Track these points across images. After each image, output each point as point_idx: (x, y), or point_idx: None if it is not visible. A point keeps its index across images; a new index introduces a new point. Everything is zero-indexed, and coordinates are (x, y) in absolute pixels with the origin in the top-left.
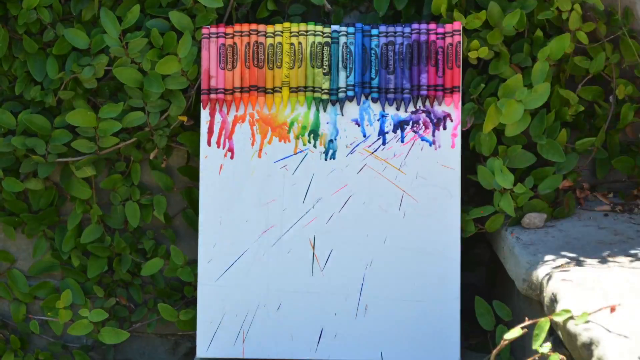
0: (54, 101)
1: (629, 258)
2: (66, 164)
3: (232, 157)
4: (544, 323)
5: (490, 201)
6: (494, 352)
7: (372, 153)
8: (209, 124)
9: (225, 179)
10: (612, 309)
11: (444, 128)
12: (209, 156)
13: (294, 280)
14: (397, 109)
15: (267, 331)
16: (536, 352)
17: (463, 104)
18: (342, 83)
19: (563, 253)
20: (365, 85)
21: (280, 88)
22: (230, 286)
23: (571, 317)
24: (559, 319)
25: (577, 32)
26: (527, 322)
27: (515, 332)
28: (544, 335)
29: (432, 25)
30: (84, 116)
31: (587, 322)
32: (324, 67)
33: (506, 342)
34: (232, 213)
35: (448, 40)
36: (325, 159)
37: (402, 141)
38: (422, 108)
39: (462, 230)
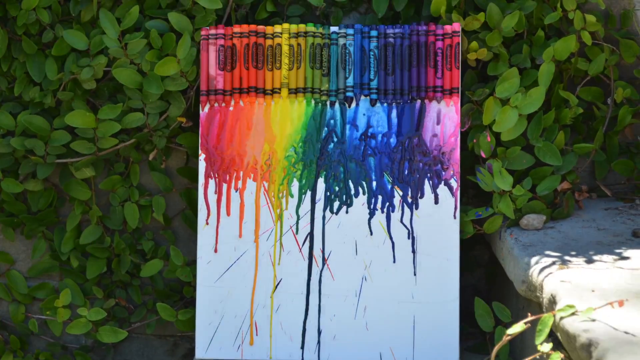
0: (53, 102)
1: (628, 259)
2: (65, 165)
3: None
4: (548, 318)
5: (490, 202)
6: (495, 349)
7: (372, 154)
8: (208, 125)
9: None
10: (621, 304)
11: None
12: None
13: (292, 281)
14: (396, 110)
15: (266, 332)
16: (537, 350)
17: (462, 105)
18: (341, 84)
19: (562, 254)
20: (364, 87)
21: (280, 89)
22: (229, 287)
23: (575, 313)
24: (563, 314)
25: (581, 32)
26: (530, 318)
27: (518, 327)
28: (547, 330)
29: (431, 27)
30: (83, 117)
31: (592, 320)
32: (323, 68)
33: (509, 337)
34: (231, 214)
35: (447, 41)
36: (325, 160)
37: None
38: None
39: (461, 232)
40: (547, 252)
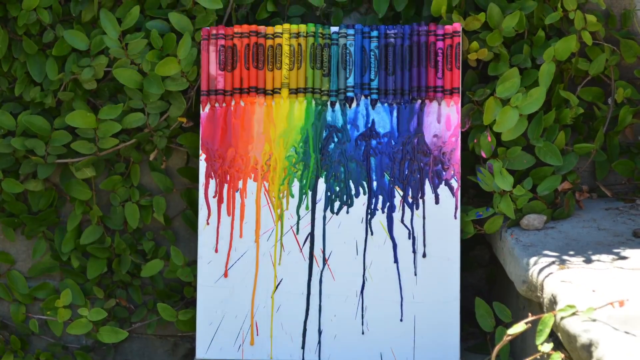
0: (54, 102)
1: (629, 259)
2: (66, 165)
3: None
4: (548, 318)
5: (490, 202)
6: (496, 349)
7: (372, 154)
8: (208, 125)
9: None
10: (621, 304)
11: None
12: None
13: (293, 281)
14: (397, 110)
15: (267, 332)
16: (537, 350)
17: (462, 105)
18: (341, 84)
19: (562, 254)
20: (364, 87)
21: (280, 89)
22: (230, 287)
23: (575, 313)
24: (563, 314)
25: (582, 32)
26: (530, 318)
27: (519, 327)
28: (548, 330)
29: (432, 27)
30: (83, 117)
31: (593, 320)
32: (324, 68)
33: (509, 337)
34: (232, 214)
35: (448, 41)
36: (325, 160)
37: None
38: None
39: (462, 232)
40: (548, 252)
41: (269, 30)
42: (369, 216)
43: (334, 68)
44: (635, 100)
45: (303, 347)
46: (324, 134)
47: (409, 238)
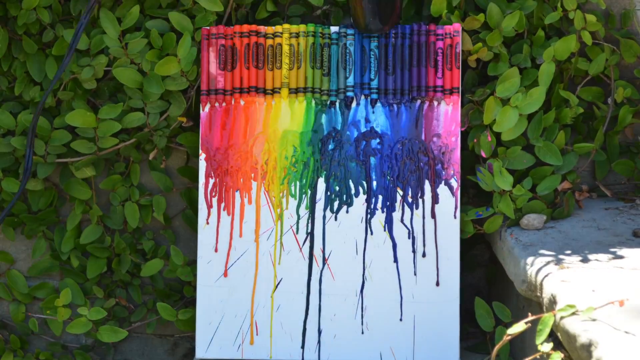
0: (54, 102)
1: (628, 259)
2: (66, 165)
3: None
4: (548, 318)
5: (490, 202)
6: (495, 349)
7: (372, 153)
8: (208, 125)
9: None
10: (621, 303)
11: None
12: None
13: (293, 280)
14: (396, 110)
15: (267, 332)
16: (537, 350)
17: (462, 104)
18: (341, 84)
19: (562, 254)
20: (364, 86)
21: (280, 89)
22: (230, 287)
23: (575, 313)
24: (563, 313)
25: (582, 32)
26: (530, 317)
27: (518, 327)
28: (547, 330)
29: (432, 27)
30: (83, 117)
31: (592, 320)
32: (324, 68)
33: (509, 337)
34: (232, 214)
35: (447, 41)
36: (325, 160)
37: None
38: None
39: (461, 231)
40: (548, 252)
41: (269, 30)
42: (369, 216)
43: (333, 68)
44: (635, 100)
45: (303, 347)
46: (324, 134)
47: (409, 238)
